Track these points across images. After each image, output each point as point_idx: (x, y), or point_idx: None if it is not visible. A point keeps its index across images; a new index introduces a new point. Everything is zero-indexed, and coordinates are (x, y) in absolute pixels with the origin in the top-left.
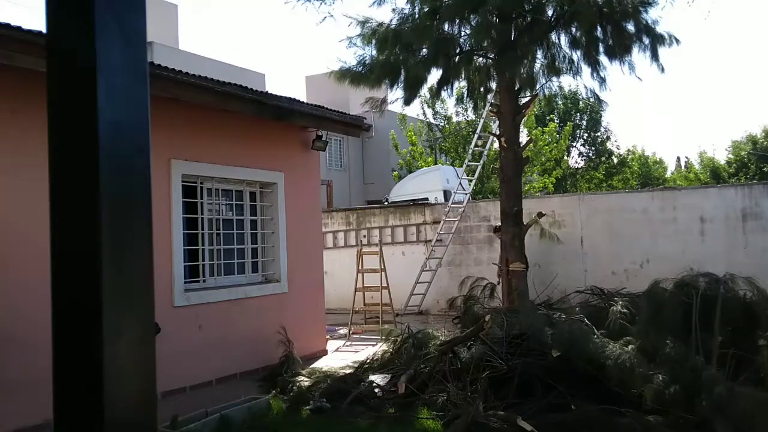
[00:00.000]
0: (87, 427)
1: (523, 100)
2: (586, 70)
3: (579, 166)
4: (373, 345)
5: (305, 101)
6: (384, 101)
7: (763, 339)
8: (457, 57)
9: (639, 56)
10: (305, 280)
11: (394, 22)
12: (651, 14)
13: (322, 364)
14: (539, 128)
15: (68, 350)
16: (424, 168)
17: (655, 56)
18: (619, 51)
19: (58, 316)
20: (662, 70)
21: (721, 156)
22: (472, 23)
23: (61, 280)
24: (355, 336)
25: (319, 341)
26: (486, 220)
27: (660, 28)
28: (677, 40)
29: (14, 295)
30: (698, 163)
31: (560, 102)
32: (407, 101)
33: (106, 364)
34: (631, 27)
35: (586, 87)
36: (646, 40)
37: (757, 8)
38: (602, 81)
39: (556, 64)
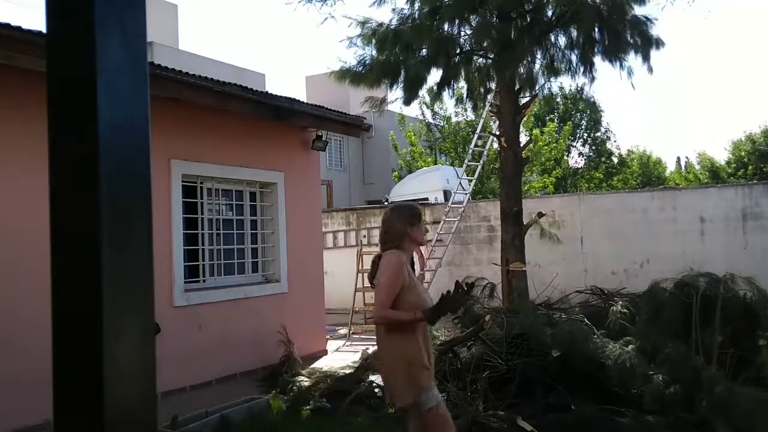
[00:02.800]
0: (87, 427)
1: (523, 101)
2: (584, 70)
3: (579, 166)
4: (373, 345)
5: (305, 101)
6: (383, 101)
7: (763, 339)
8: (457, 57)
9: (631, 57)
10: (305, 280)
11: (394, 22)
12: (647, 13)
13: (322, 364)
14: (538, 129)
15: (68, 350)
16: (424, 168)
17: (646, 58)
18: (617, 52)
19: (58, 316)
20: (650, 70)
21: (720, 155)
22: (472, 23)
23: (61, 280)
24: (355, 336)
25: (319, 341)
26: (486, 220)
27: (656, 28)
28: (662, 43)
29: (14, 295)
30: (697, 163)
31: (560, 102)
32: (407, 101)
33: (106, 365)
34: (627, 28)
35: (583, 89)
36: (639, 41)
37: (757, 8)
38: (591, 80)
39: (555, 64)
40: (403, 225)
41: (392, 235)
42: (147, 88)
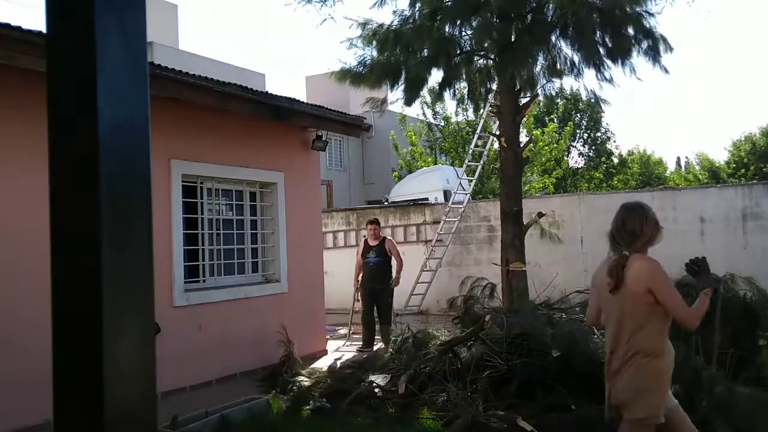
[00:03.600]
0: (87, 427)
1: (523, 101)
2: (587, 72)
3: (579, 167)
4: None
5: (305, 101)
6: (384, 101)
7: (763, 339)
8: (458, 57)
9: (636, 58)
10: (305, 280)
11: (395, 23)
12: (651, 13)
13: (322, 364)
14: (539, 129)
15: (68, 350)
16: (424, 168)
17: (656, 60)
18: (620, 54)
19: (58, 316)
20: (666, 71)
21: (720, 155)
22: (473, 24)
23: (61, 280)
24: (355, 336)
25: (319, 341)
26: (486, 220)
27: (659, 29)
28: (670, 48)
29: (14, 295)
30: (697, 163)
31: (560, 102)
32: (408, 102)
33: (106, 364)
34: (630, 27)
35: (587, 89)
36: (645, 44)
37: (757, 8)
38: (609, 81)
39: (558, 66)
40: (654, 227)
41: (642, 238)
42: (147, 88)
